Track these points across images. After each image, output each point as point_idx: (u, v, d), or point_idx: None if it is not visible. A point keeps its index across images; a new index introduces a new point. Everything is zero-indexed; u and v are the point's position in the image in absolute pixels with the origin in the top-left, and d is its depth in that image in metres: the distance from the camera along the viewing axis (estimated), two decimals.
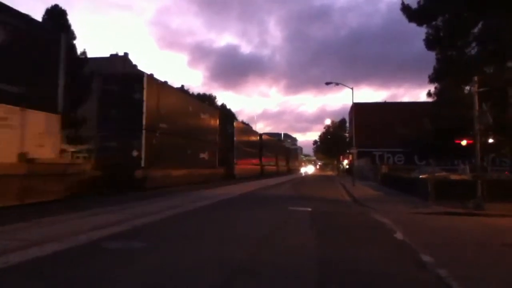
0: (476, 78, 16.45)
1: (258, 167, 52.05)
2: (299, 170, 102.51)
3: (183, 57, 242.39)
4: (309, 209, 14.49)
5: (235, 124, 42.42)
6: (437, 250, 7.68)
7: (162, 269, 5.94)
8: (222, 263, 6.43)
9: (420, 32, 23.54)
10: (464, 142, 17.27)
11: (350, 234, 9.67)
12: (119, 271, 5.79)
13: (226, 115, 49.06)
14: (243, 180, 37.40)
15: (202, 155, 30.62)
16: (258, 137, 55.02)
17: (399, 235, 9.27)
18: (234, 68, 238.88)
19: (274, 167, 64.78)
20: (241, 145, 42.85)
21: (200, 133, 30.58)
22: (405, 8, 23.19)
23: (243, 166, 42.93)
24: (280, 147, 78.68)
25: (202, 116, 31.80)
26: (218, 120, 35.88)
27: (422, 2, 22.60)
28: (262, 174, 51.88)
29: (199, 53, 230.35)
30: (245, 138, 46.16)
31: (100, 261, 6.32)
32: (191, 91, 71.05)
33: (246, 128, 53.30)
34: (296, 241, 8.50)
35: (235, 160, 39.87)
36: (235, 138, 40.27)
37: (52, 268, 5.90)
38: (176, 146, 25.12)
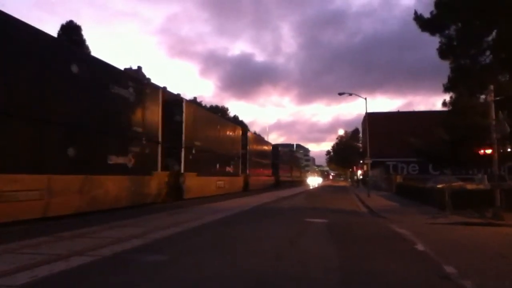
0: (491, 87, 16.40)
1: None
2: (304, 181, 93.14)
3: (195, 67, 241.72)
4: (326, 221, 14.44)
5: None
6: (459, 261, 7.62)
7: (185, 281, 6.05)
8: (245, 275, 6.48)
9: (434, 39, 23.40)
10: (488, 151, 16.96)
11: (370, 245, 9.62)
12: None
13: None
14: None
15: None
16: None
17: (419, 246, 9.22)
18: (246, 77, 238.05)
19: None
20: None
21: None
22: (418, 18, 23.17)
23: None
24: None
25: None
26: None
27: (434, 12, 22.58)
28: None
29: (211, 62, 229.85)
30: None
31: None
32: (203, 102, 71.58)
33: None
34: (315, 252, 8.49)
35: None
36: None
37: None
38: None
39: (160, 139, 21.31)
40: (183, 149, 23.64)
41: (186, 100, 25.33)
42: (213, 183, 29.17)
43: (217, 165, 30.17)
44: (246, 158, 39.36)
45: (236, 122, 60.20)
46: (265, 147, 52.80)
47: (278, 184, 55.19)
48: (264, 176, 48.85)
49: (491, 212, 15.02)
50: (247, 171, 39.47)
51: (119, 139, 18.04)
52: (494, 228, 13.08)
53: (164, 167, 21.87)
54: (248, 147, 40.18)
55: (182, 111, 23.78)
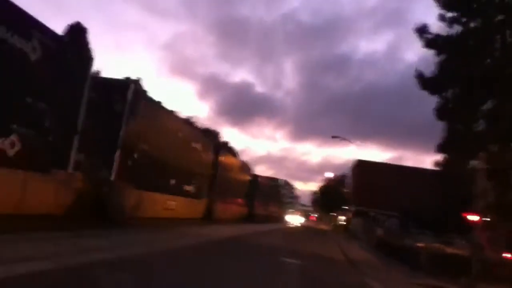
0: (480, 156, 16.57)
1: None
2: (283, 218, 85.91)
3: (193, 87, 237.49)
4: (300, 262, 14.23)
5: None
6: None
7: None
8: None
9: (432, 98, 23.67)
10: (474, 218, 16.99)
11: None
12: None
13: None
14: None
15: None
16: None
17: None
18: (243, 105, 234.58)
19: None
20: None
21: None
22: (419, 76, 23.57)
23: None
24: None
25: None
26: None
27: (436, 72, 22.95)
28: None
29: (210, 85, 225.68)
30: None
31: None
32: (197, 123, 71.21)
33: None
34: None
35: None
36: None
37: None
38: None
39: (79, 127, 14.63)
40: (118, 150, 17.38)
41: (137, 86, 18.89)
42: (160, 203, 22.05)
43: (172, 181, 23.40)
44: (215, 180, 32.99)
45: (225, 147, 58.90)
46: (243, 174, 48.51)
47: (251, 217, 50.03)
48: (234, 205, 43.06)
49: (465, 281, 14.88)
50: (213, 196, 32.67)
51: None
52: None
53: (87, 169, 15.45)
54: (219, 168, 33.92)
55: (126, 99, 17.44)
